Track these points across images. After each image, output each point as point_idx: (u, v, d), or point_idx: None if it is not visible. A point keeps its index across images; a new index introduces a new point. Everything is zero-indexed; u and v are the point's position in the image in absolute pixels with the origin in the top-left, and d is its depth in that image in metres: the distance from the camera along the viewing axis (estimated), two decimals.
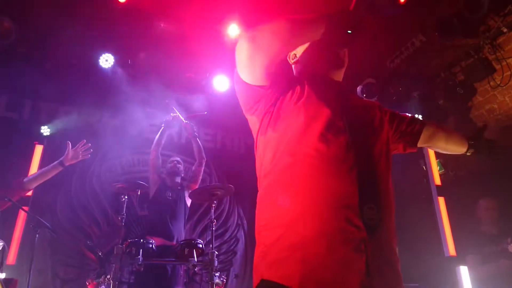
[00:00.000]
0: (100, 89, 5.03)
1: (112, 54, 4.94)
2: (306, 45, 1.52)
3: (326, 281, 1.08)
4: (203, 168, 4.44)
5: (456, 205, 4.54)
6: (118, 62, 5.00)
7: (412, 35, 4.87)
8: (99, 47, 4.93)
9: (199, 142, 4.48)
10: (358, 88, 5.51)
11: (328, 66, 1.48)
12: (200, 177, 4.41)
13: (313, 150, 1.23)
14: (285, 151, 1.26)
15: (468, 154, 1.75)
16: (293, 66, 1.58)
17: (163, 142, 4.35)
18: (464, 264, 4.13)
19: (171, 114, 4.38)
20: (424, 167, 5.05)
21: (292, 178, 1.23)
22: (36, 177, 3.33)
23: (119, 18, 4.55)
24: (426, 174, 4.94)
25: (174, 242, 3.85)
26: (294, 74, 1.56)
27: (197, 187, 4.30)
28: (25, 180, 3.26)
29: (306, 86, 1.36)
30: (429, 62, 5.08)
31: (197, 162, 4.43)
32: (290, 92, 1.34)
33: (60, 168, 3.37)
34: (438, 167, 4.97)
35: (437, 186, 4.72)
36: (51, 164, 3.38)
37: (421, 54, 4.98)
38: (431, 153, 4.92)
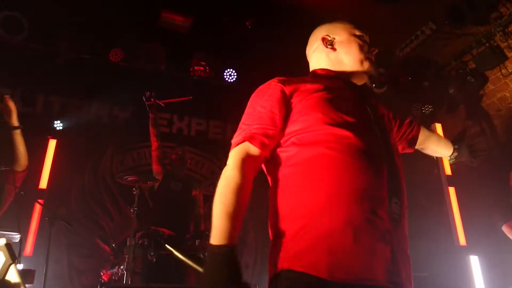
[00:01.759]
0: (110, 83, 5.08)
1: (122, 49, 4.98)
2: (346, 36, 1.54)
3: (354, 269, 1.11)
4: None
5: (467, 195, 4.51)
6: (128, 56, 5.05)
7: (422, 23, 4.81)
8: (110, 41, 4.98)
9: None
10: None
11: (362, 67, 1.50)
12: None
13: (341, 141, 1.24)
14: (310, 142, 1.26)
15: (451, 157, 1.84)
16: (323, 50, 1.56)
17: (157, 131, 4.31)
18: (475, 253, 4.13)
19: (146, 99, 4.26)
20: (435, 157, 5.02)
21: (318, 169, 1.22)
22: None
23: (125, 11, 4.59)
24: (437, 164, 4.92)
25: (181, 233, 3.91)
26: (325, 60, 1.55)
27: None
28: None
29: (324, 83, 1.38)
30: (439, 50, 5.02)
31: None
32: (313, 88, 1.35)
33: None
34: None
35: (448, 176, 4.70)
36: None
37: (432, 42, 4.92)
38: None
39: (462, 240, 4.30)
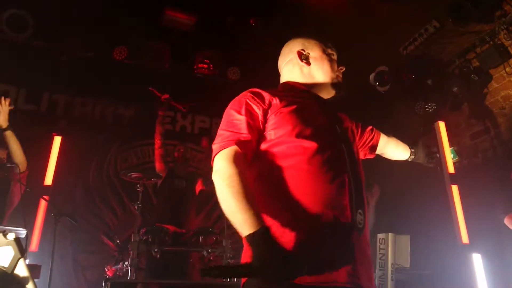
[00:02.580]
0: (114, 81, 5.12)
1: (126, 47, 5.01)
2: (320, 53, 1.64)
3: (319, 273, 1.23)
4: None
5: (470, 193, 4.52)
6: (132, 54, 5.07)
7: (426, 21, 4.80)
8: (113, 39, 5.01)
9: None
10: (370, 76, 5.48)
11: (331, 83, 1.61)
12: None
13: (310, 154, 1.35)
14: (282, 153, 1.37)
15: (409, 160, 2.03)
16: (297, 64, 1.64)
17: (163, 129, 4.38)
18: (478, 252, 4.14)
19: (162, 98, 4.36)
20: (437, 155, 5.02)
21: (288, 180, 1.33)
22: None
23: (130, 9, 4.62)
24: (440, 162, 4.92)
25: (185, 230, 3.94)
26: (298, 73, 1.64)
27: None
28: None
29: (294, 97, 1.49)
30: (443, 48, 5.01)
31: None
32: (279, 101, 1.44)
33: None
34: (452, 155, 4.94)
35: (451, 174, 4.70)
36: None
37: (435, 40, 4.92)
38: (445, 141, 4.88)
39: (464, 238, 4.30)
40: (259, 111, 1.41)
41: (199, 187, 4.36)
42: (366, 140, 1.82)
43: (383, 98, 5.67)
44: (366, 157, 1.86)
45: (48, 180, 4.46)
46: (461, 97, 4.88)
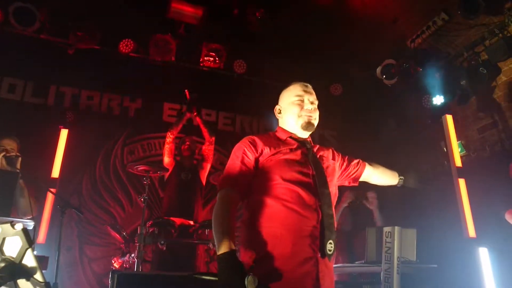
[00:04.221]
0: (121, 74, 5.13)
1: (132, 40, 5.01)
2: (286, 103, 1.97)
3: (289, 279, 1.63)
4: (213, 146, 4.55)
5: (477, 186, 4.49)
6: (139, 47, 5.08)
7: (434, 14, 4.75)
8: (120, 32, 5.01)
9: (203, 120, 4.61)
10: (377, 69, 5.44)
11: (299, 124, 1.92)
12: (211, 155, 4.51)
13: (291, 194, 1.74)
14: (270, 193, 1.77)
15: (398, 186, 2.27)
16: (277, 116, 2.05)
17: (181, 126, 4.46)
18: (484, 245, 4.12)
19: (192, 96, 4.45)
20: (445, 148, 4.99)
21: (273, 214, 1.74)
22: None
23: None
24: (447, 156, 4.88)
25: (193, 222, 3.96)
26: (281, 122, 2.03)
27: (210, 164, 4.45)
28: None
29: (281, 145, 1.87)
30: (451, 41, 4.96)
31: (206, 141, 4.55)
32: (269, 150, 1.84)
33: None
34: (460, 149, 4.90)
35: (458, 168, 4.67)
36: None
37: (443, 33, 4.87)
38: (452, 135, 4.85)
39: (471, 231, 4.28)
40: (252, 159, 1.83)
41: (203, 178, 4.39)
42: (351, 172, 2.12)
43: (390, 91, 5.63)
44: (350, 185, 2.17)
45: (55, 173, 4.50)
46: (469, 90, 4.83)
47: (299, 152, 1.87)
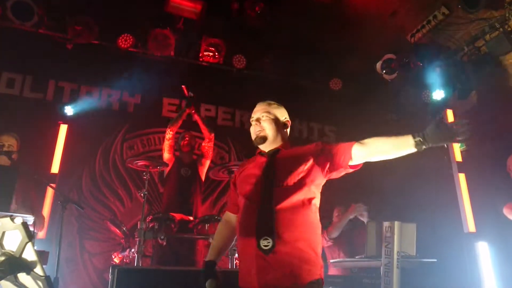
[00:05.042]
0: (119, 69, 5.10)
1: (131, 34, 4.99)
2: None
3: (244, 281, 1.95)
4: (213, 143, 4.55)
5: (477, 181, 4.49)
6: (137, 41, 5.05)
7: (434, 8, 4.73)
8: (118, 27, 4.99)
9: (201, 118, 4.62)
10: (377, 64, 5.42)
11: (254, 141, 2.16)
12: (211, 152, 4.51)
13: (240, 204, 2.07)
14: (239, 203, 2.12)
15: (418, 150, 1.81)
16: None
17: (180, 122, 4.45)
18: (484, 240, 4.13)
19: (189, 93, 4.44)
20: (445, 144, 4.98)
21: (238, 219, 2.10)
22: None
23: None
24: (447, 151, 4.88)
25: (192, 217, 3.96)
26: None
27: (209, 161, 4.45)
28: None
29: (249, 163, 2.18)
30: (452, 35, 4.94)
31: (206, 138, 4.55)
32: (239, 171, 2.21)
33: None
34: (460, 144, 4.90)
35: (458, 162, 4.67)
36: None
37: (444, 27, 4.85)
38: None
39: (471, 226, 4.29)
40: (232, 183, 2.25)
41: (202, 174, 4.39)
42: (338, 158, 1.97)
43: (390, 86, 5.62)
44: (348, 173, 2.02)
45: (55, 168, 4.49)
46: (469, 85, 4.82)
47: (260, 164, 2.10)
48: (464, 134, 1.78)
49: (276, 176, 1.98)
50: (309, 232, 1.92)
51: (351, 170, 2.00)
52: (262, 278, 1.83)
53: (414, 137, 1.81)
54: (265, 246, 1.85)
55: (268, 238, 1.85)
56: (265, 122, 2.12)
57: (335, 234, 4.28)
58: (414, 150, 1.82)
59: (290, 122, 2.23)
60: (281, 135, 2.14)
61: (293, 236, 1.88)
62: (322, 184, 2.06)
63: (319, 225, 2.00)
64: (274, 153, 2.10)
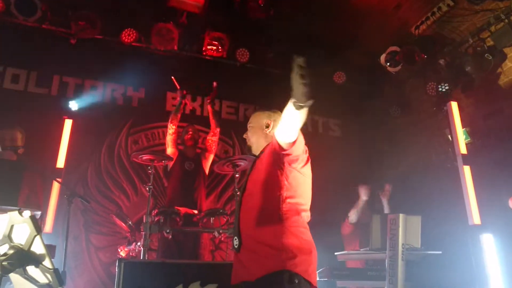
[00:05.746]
0: (123, 63, 5.10)
1: (135, 29, 4.98)
2: None
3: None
4: (218, 137, 4.57)
5: (482, 173, 4.48)
6: (141, 36, 5.05)
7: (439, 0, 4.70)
8: (122, 21, 4.98)
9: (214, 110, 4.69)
10: (381, 56, 5.40)
11: None
12: (215, 146, 4.54)
13: None
14: None
15: (301, 107, 1.66)
16: None
17: (179, 115, 4.46)
18: (489, 232, 4.12)
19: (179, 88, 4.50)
20: (450, 136, 4.97)
21: None
22: None
23: None
24: (452, 143, 4.87)
25: (197, 211, 3.98)
26: None
27: (213, 155, 4.49)
28: None
29: None
30: (456, 27, 4.90)
31: (211, 131, 4.58)
32: None
33: None
34: (465, 136, 4.88)
35: (463, 155, 4.65)
36: None
37: (448, 19, 4.81)
38: (457, 122, 4.82)
39: (476, 218, 4.28)
40: None
41: (206, 168, 4.40)
42: (274, 147, 1.96)
43: (394, 79, 5.60)
44: (292, 155, 1.94)
45: (60, 163, 4.51)
46: (474, 77, 4.79)
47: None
48: (303, 77, 1.57)
49: (247, 181, 2.17)
50: (273, 227, 1.95)
51: (288, 151, 1.90)
52: (236, 274, 2.04)
53: (291, 101, 1.69)
54: (236, 245, 2.06)
55: (236, 238, 2.06)
56: (249, 132, 2.37)
57: (354, 218, 4.33)
58: (298, 111, 1.68)
59: (271, 121, 2.26)
60: (264, 138, 2.27)
61: (256, 233, 1.99)
62: (290, 175, 1.99)
63: (290, 216, 1.96)
64: (256, 158, 2.25)
